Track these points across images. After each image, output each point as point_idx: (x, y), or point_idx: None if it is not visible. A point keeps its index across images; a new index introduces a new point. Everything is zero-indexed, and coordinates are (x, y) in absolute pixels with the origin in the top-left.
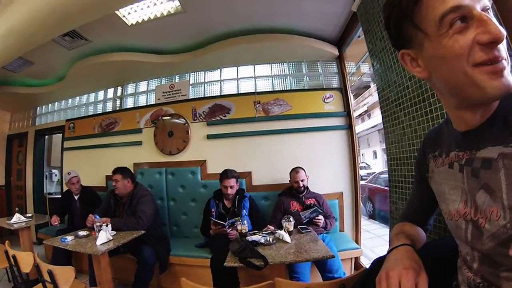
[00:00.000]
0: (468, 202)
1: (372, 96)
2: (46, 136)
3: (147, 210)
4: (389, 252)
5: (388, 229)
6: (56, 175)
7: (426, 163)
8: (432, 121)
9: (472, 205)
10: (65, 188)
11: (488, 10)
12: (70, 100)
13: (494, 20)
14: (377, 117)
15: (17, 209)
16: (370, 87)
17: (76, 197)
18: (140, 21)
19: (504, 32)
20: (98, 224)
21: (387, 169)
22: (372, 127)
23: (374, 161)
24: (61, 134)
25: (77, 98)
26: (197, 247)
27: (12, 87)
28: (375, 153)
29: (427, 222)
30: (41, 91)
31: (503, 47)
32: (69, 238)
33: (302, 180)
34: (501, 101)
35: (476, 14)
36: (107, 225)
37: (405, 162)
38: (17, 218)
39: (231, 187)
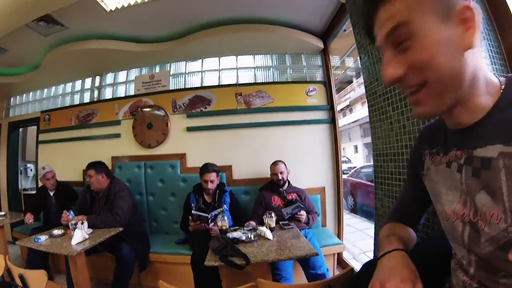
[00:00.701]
0: (468, 203)
1: (354, 91)
2: (21, 129)
3: (124, 205)
4: (381, 256)
5: (372, 225)
6: (31, 169)
7: (421, 160)
8: None
9: (471, 206)
10: (40, 184)
11: (392, 34)
12: (45, 90)
13: (396, 61)
14: (358, 112)
15: None
16: (352, 81)
17: (51, 193)
18: (119, 7)
19: (395, 75)
20: (73, 222)
21: (372, 164)
22: (353, 122)
23: (355, 156)
24: (36, 126)
25: (53, 88)
26: (177, 243)
27: None
28: (356, 147)
29: (418, 221)
30: (15, 80)
31: (414, 77)
32: (43, 238)
33: (281, 173)
34: (501, 94)
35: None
36: (82, 223)
37: (392, 158)
38: None
39: (211, 181)
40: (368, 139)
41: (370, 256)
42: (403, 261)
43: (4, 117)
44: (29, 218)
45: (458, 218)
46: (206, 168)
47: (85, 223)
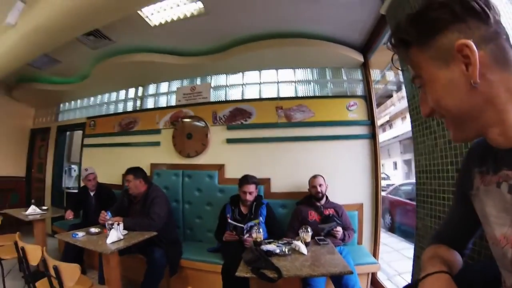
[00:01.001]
0: None
1: (394, 106)
2: (68, 133)
3: (160, 211)
4: (422, 278)
5: (411, 245)
6: (75, 170)
7: (470, 179)
8: None
9: None
10: (82, 184)
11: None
12: (92, 98)
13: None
14: (398, 128)
15: (33, 201)
16: (392, 96)
17: (92, 193)
18: (163, 22)
19: (428, 110)
20: (110, 222)
21: (412, 182)
22: (393, 138)
23: (394, 172)
24: (81, 131)
25: (99, 96)
26: (209, 251)
27: (38, 84)
28: (395, 164)
29: (465, 245)
30: (65, 88)
31: (437, 113)
32: (80, 234)
33: (320, 185)
34: None
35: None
36: (118, 224)
37: (436, 175)
38: (32, 210)
39: (250, 193)
40: (408, 156)
41: (406, 278)
42: (447, 286)
43: (54, 121)
44: (69, 215)
45: (508, 243)
46: (246, 179)
47: (121, 225)
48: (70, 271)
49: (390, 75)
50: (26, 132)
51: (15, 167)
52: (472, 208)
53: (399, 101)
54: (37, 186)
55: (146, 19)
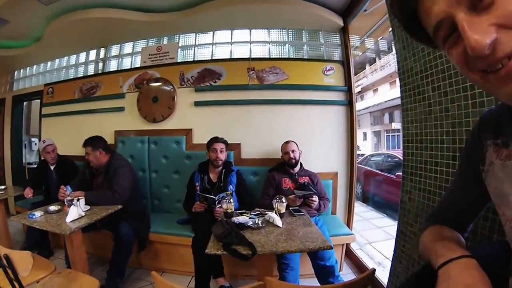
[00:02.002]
0: None
1: (366, 78)
2: (25, 103)
3: (124, 182)
4: (444, 264)
5: (381, 216)
6: (36, 143)
7: (481, 152)
8: (473, 99)
9: None
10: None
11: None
12: (49, 63)
13: (480, 23)
14: (369, 100)
15: None
16: (365, 68)
17: (52, 167)
18: None
19: (488, 39)
20: (69, 198)
21: (381, 153)
22: (364, 109)
23: (364, 143)
24: (39, 100)
25: (57, 60)
26: (179, 223)
27: None
28: (365, 135)
29: (467, 227)
30: (18, 53)
31: (504, 44)
32: (38, 214)
33: (293, 151)
34: None
35: (457, 24)
36: (78, 200)
37: (428, 145)
38: None
39: (221, 150)
40: (378, 127)
41: (377, 247)
42: (480, 277)
43: (8, 91)
44: (28, 193)
45: None
46: (216, 138)
47: (82, 200)
48: (22, 259)
49: (369, 43)
50: None
51: None
52: (480, 185)
53: (372, 74)
54: None
55: None
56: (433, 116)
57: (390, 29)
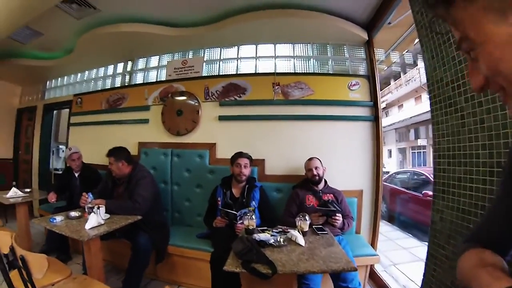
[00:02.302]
0: None
1: (391, 94)
2: (55, 111)
3: (145, 193)
4: None
5: (407, 236)
6: (63, 150)
7: None
8: None
9: None
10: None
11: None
12: (79, 75)
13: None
14: (394, 116)
15: (14, 183)
16: (390, 83)
17: (76, 174)
18: None
19: (479, 85)
20: (89, 206)
21: (407, 171)
22: (389, 125)
23: (388, 160)
24: (68, 109)
25: (86, 72)
26: (198, 237)
27: (22, 60)
28: (390, 152)
29: (509, 251)
30: (51, 64)
31: (492, 84)
32: (59, 218)
33: (316, 168)
34: None
35: None
36: (99, 208)
37: (462, 161)
38: (13, 192)
39: (245, 165)
40: (403, 144)
41: (403, 269)
42: None
43: (40, 100)
44: (51, 197)
45: None
46: (240, 153)
47: (102, 208)
48: (38, 262)
49: (394, 57)
50: (12, 112)
51: (1, 149)
52: None
53: (396, 89)
54: (24, 168)
55: None
56: (467, 128)
57: (417, 40)
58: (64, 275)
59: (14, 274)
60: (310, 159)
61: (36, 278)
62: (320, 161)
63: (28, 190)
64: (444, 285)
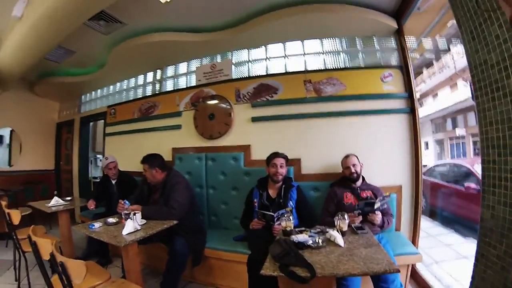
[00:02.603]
0: None
1: (424, 83)
2: (91, 123)
3: (180, 198)
4: None
5: (449, 232)
6: (100, 160)
7: None
8: None
9: None
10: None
11: None
12: (111, 87)
13: None
14: (429, 106)
15: (55, 192)
16: (422, 73)
17: (113, 182)
18: None
19: None
20: (126, 212)
21: (447, 163)
22: (424, 116)
23: (426, 153)
24: (103, 120)
25: (118, 84)
26: (235, 240)
27: (58, 78)
28: (426, 144)
29: None
30: (85, 79)
31: None
32: (97, 225)
33: (354, 165)
34: None
35: None
36: (135, 214)
37: None
38: (55, 201)
39: (281, 165)
40: (441, 135)
41: (446, 268)
42: None
43: (77, 113)
44: (91, 204)
45: None
46: (276, 153)
47: (138, 214)
48: (76, 267)
49: (427, 44)
50: (52, 126)
51: (44, 161)
52: None
53: (430, 78)
54: (66, 177)
55: None
56: None
57: (450, 23)
58: (103, 279)
59: (55, 279)
60: (347, 156)
61: (75, 283)
62: (357, 157)
63: (69, 198)
64: None
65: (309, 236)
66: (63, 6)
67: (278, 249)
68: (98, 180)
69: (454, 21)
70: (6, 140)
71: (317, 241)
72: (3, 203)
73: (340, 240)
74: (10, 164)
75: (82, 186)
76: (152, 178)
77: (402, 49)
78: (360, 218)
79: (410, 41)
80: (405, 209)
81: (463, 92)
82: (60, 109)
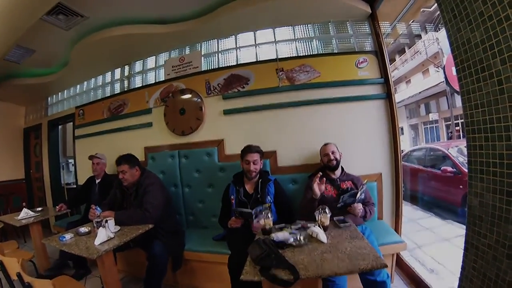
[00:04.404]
0: None
1: (397, 70)
2: (60, 126)
3: (155, 200)
4: None
5: (428, 215)
6: (72, 164)
7: None
8: None
9: None
10: (80, 178)
11: None
12: (78, 86)
13: None
14: (403, 92)
15: (24, 204)
16: (395, 60)
17: (97, 181)
18: None
19: None
20: (97, 220)
21: (422, 147)
22: (398, 102)
23: (401, 138)
24: (72, 122)
25: (85, 83)
26: (215, 240)
27: (21, 79)
28: (402, 129)
29: None
30: (49, 79)
31: None
32: (68, 236)
33: (333, 152)
34: None
35: None
36: (106, 221)
37: (503, 135)
38: (24, 213)
39: (254, 162)
40: (415, 120)
41: (427, 251)
42: None
43: (44, 116)
44: (60, 208)
45: None
46: (249, 148)
47: (111, 221)
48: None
49: (401, 28)
50: (19, 132)
51: (13, 170)
52: None
53: (402, 65)
54: (37, 185)
55: None
56: (507, 96)
57: (422, 9)
58: None
59: None
60: (326, 144)
61: None
62: (336, 146)
63: (39, 209)
64: (487, 278)
65: (290, 234)
66: (15, 2)
67: (257, 250)
68: (71, 186)
69: (427, 9)
70: None
71: (298, 238)
72: None
73: (322, 236)
74: None
75: (55, 193)
76: (132, 178)
77: (376, 34)
78: (361, 206)
79: (385, 26)
80: (386, 197)
81: (434, 78)
82: (26, 113)
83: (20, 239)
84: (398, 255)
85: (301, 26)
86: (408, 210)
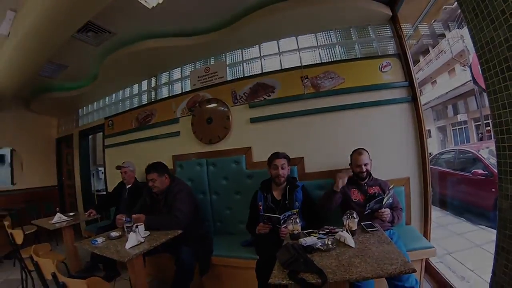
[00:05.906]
0: None
1: (422, 71)
2: (90, 136)
3: (184, 207)
4: None
5: (460, 220)
6: (102, 172)
7: None
8: None
9: None
10: (109, 185)
11: None
12: (107, 98)
13: None
14: (429, 93)
15: (57, 208)
16: (419, 61)
17: (127, 186)
18: (161, 2)
19: None
20: (128, 225)
21: (451, 150)
22: (424, 104)
23: (429, 141)
24: (102, 132)
25: (114, 95)
26: (243, 245)
27: (53, 93)
28: (429, 132)
29: None
30: (80, 92)
31: None
32: (100, 240)
33: (365, 164)
34: None
35: None
36: (137, 226)
37: None
38: (58, 217)
39: (282, 166)
40: (442, 122)
41: (459, 258)
42: None
43: (75, 127)
44: (89, 213)
45: None
46: (276, 154)
47: (141, 226)
48: (78, 287)
49: (423, 29)
50: (52, 142)
51: (46, 177)
52: None
53: (427, 65)
54: (69, 192)
55: (142, 1)
56: None
57: (444, 6)
58: None
59: None
60: (360, 153)
61: None
62: (368, 153)
63: (72, 213)
64: None
65: (318, 238)
66: (48, 21)
67: (286, 255)
68: (101, 193)
69: (449, 6)
70: (8, 159)
71: (326, 243)
72: (6, 223)
73: (350, 240)
74: (13, 183)
75: (85, 200)
76: (161, 186)
77: (398, 36)
78: (388, 211)
79: (406, 28)
80: (414, 201)
81: (461, 77)
82: (59, 125)
83: (53, 242)
84: (427, 261)
85: (323, 33)
86: (437, 215)
